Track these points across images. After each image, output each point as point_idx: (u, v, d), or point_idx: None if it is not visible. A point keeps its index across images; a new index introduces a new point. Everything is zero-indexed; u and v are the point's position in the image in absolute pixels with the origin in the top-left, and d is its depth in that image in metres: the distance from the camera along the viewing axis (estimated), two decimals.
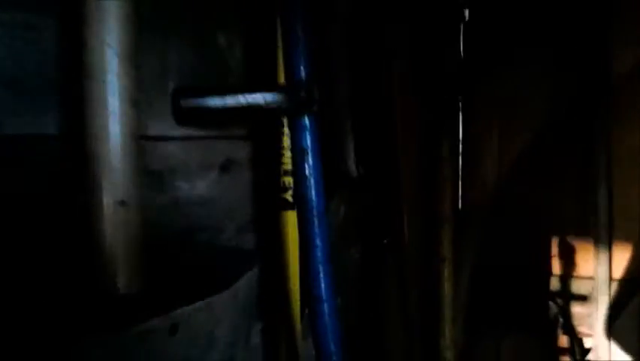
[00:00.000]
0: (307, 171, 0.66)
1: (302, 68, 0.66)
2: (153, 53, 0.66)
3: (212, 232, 0.74)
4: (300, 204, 0.67)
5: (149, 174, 0.65)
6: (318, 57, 0.72)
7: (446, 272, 1.29)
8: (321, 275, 0.66)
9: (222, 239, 0.74)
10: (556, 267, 1.33)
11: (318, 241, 0.67)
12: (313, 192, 0.66)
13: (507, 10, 1.35)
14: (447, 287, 1.29)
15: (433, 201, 1.29)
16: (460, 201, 1.44)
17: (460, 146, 1.46)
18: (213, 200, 0.73)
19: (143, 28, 0.60)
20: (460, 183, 1.44)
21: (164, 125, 0.67)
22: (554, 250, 1.34)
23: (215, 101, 0.62)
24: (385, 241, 1.12)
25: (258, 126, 0.77)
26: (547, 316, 1.32)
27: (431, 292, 1.27)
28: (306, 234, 0.66)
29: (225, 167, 0.74)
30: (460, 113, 1.45)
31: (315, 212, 0.66)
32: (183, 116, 0.63)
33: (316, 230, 0.66)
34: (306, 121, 0.66)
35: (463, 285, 1.36)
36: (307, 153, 0.65)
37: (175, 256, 0.69)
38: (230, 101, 0.62)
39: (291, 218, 0.76)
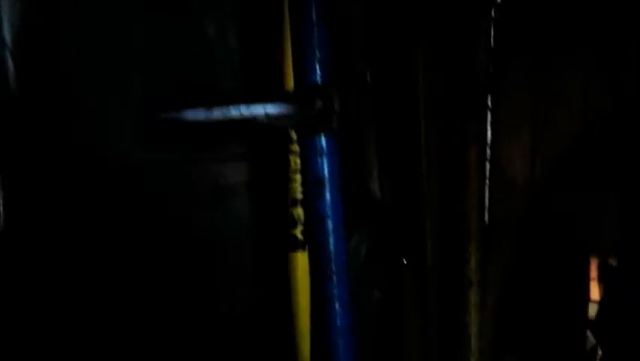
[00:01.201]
0: (324, 210, 0.48)
1: (317, 66, 0.47)
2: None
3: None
4: (315, 253, 0.49)
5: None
6: (338, 54, 0.54)
7: (473, 298, 1.16)
8: (341, 350, 0.49)
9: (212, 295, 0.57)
10: (595, 292, 1.23)
11: (337, 306, 0.49)
12: (331, 240, 0.48)
13: None
14: (474, 315, 1.16)
15: (459, 217, 1.16)
16: (486, 215, 1.30)
17: (488, 151, 1.31)
18: (201, 240, 0.56)
19: None
20: (487, 194, 1.30)
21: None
22: (593, 271, 1.23)
23: (198, 114, 0.44)
24: (405, 261, 0.99)
25: (259, 142, 0.59)
26: (584, 347, 1.20)
27: (456, 320, 1.14)
28: (322, 295, 0.49)
29: (217, 196, 0.56)
30: (489, 115, 1.30)
31: (333, 266, 0.48)
32: (155, 135, 0.45)
33: (334, 291, 0.49)
34: (323, 142, 0.48)
35: (491, 311, 1.24)
36: (324, 186, 0.48)
37: None
38: (219, 114, 0.44)
39: (302, 261, 0.58)
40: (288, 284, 0.60)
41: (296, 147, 0.58)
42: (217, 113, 0.45)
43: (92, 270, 0.53)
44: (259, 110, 0.45)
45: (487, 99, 1.19)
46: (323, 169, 0.49)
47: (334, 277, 0.49)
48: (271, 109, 0.46)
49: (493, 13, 1.21)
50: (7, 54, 0.48)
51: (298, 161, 0.56)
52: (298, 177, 0.58)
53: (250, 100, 0.45)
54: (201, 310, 0.58)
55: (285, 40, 0.54)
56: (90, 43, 0.50)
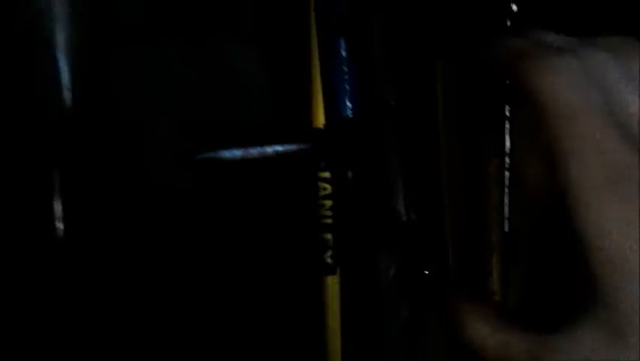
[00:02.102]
0: None
1: (347, 101, 0.49)
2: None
3: None
4: (347, 276, 0.51)
5: None
6: (364, 83, 0.56)
7: None
8: None
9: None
10: None
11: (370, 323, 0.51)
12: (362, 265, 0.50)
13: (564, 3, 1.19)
14: None
15: (480, 228, 1.15)
16: (506, 225, 1.29)
17: (507, 161, 1.31)
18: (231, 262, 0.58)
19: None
20: (506, 205, 1.29)
21: None
22: None
23: (235, 153, 0.46)
24: (426, 272, 0.98)
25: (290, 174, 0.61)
26: None
27: None
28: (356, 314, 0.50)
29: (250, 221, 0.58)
30: (507, 124, 1.29)
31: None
32: (192, 172, 0.47)
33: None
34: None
35: None
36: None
37: None
38: (255, 152, 0.46)
39: (332, 287, 0.60)
40: (321, 306, 0.62)
41: (325, 174, 0.59)
42: (253, 152, 0.47)
43: (140, 277, 0.54)
44: (292, 147, 0.47)
45: (504, 109, 1.18)
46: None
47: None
48: (304, 146, 0.47)
49: (508, 22, 1.20)
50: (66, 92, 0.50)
51: (327, 186, 0.58)
52: (328, 202, 0.60)
53: (283, 138, 0.47)
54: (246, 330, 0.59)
55: (315, 75, 0.56)
56: (129, 87, 0.52)
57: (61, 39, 0.49)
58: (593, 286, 0.24)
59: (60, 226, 0.51)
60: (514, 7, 1.30)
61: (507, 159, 1.29)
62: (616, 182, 0.22)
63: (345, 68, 0.48)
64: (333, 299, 0.60)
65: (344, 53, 0.48)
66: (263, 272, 0.58)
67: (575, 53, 0.24)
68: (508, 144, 1.29)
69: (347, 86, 0.48)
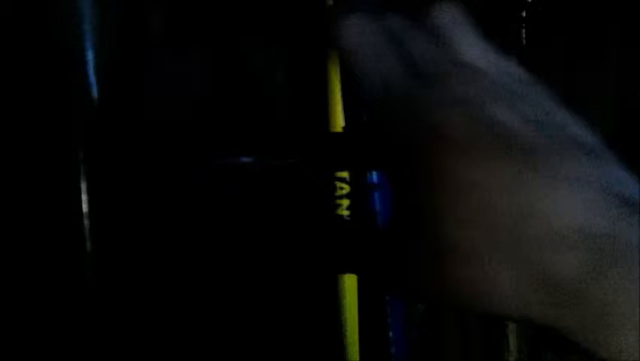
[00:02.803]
0: None
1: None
2: None
3: None
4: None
5: None
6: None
7: None
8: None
9: None
10: None
11: (389, 319, 0.52)
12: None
13: None
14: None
15: None
16: None
17: None
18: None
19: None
20: None
21: None
22: None
23: (258, 160, 0.47)
24: None
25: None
26: None
27: (495, 321, 1.14)
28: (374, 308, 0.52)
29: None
30: None
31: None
32: (217, 177, 0.49)
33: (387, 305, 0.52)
34: (374, 177, 0.51)
35: None
36: (376, 216, 0.51)
37: None
38: (276, 161, 0.47)
39: (349, 282, 0.61)
40: (337, 302, 0.63)
41: (342, 174, 0.61)
42: (274, 162, 0.48)
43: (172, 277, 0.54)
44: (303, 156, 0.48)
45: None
46: (374, 202, 0.52)
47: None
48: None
49: (523, 13, 1.18)
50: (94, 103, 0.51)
51: (345, 186, 0.59)
52: (345, 202, 0.61)
53: (305, 144, 0.48)
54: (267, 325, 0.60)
55: (334, 79, 0.56)
56: (155, 89, 0.53)
57: (89, 42, 0.49)
58: None
59: (87, 223, 0.51)
60: None
61: None
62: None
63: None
64: (350, 296, 0.61)
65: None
66: (279, 271, 0.60)
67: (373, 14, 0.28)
68: None
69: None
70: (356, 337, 0.64)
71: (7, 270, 0.50)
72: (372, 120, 0.28)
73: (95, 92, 0.48)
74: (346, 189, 0.60)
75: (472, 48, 0.29)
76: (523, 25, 1.16)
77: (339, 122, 0.58)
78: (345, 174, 0.60)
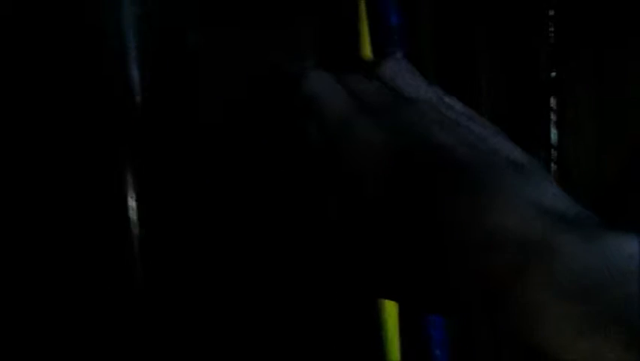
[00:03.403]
0: None
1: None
2: None
3: None
4: None
5: None
6: None
7: None
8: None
9: None
10: None
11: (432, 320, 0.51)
12: None
13: None
14: None
15: None
16: None
17: (554, 153, 1.29)
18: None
19: None
20: None
21: None
22: None
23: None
24: None
25: None
26: None
27: None
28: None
29: None
30: (553, 116, 1.27)
31: None
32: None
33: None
34: None
35: None
36: None
37: None
38: None
39: None
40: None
41: None
42: None
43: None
44: None
45: (550, 100, 1.16)
46: None
47: None
48: None
49: (551, 11, 1.17)
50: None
51: None
52: None
53: None
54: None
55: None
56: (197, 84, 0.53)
57: (130, 37, 0.50)
58: None
59: (135, 226, 0.51)
60: None
61: (553, 152, 1.27)
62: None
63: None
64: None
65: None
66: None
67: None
68: (554, 136, 1.27)
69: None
70: (396, 334, 0.63)
71: (55, 268, 0.50)
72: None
73: (138, 83, 0.48)
74: None
75: (417, 88, 0.34)
76: (552, 24, 1.15)
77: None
78: None
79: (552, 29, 1.16)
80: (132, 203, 0.50)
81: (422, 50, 0.75)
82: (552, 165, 1.24)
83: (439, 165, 0.28)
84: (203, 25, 0.53)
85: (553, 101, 1.19)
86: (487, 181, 0.28)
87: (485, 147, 0.30)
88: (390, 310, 0.64)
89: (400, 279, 0.30)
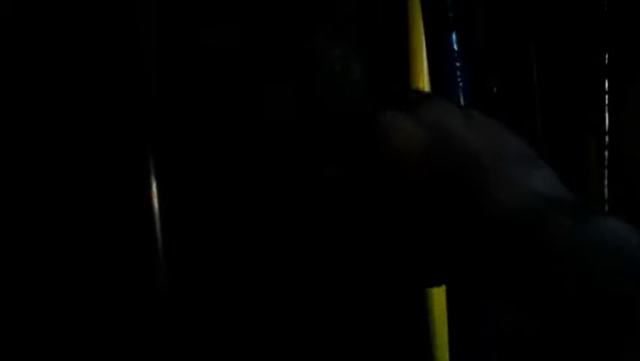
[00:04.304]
0: None
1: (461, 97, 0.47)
2: None
3: None
4: None
5: None
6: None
7: None
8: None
9: None
10: None
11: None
12: None
13: None
14: None
15: None
16: (606, 206, 1.22)
17: (607, 139, 1.24)
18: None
19: None
20: (606, 184, 1.22)
21: None
22: None
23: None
24: None
25: None
26: None
27: None
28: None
29: None
30: (607, 101, 1.22)
31: None
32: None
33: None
34: None
35: None
36: None
37: None
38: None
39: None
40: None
41: None
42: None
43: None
44: None
45: (604, 85, 1.12)
46: None
47: None
48: None
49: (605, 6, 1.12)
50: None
51: None
52: None
53: None
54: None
55: (417, 71, 0.54)
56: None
57: (147, 33, 0.49)
58: None
59: (157, 219, 0.50)
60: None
61: (607, 138, 1.22)
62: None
63: (458, 63, 0.47)
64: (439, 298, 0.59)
65: (456, 47, 0.47)
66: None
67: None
68: (607, 122, 1.22)
69: (460, 82, 0.47)
70: (445, 339, 0.61)
71: (78, 266, 0.50)
72: None
73: (157, 86, 0.48)
74: None
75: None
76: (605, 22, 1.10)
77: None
78: None
79: (607, 9, 1.11)
80: (154, 199, 0.49)
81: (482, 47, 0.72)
82: (606, 151, 1.20)
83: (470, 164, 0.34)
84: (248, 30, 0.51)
85: (607, 87, 1.14)
86: (495, 169, 0.34)
87: (500, 142, 0.36)
88: (440, 314, 0.62)
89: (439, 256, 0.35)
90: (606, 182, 1.16)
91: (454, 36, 0.48)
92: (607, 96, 1.14)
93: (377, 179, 0.37)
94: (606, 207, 1.17)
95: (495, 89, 0.78)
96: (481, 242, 0.32)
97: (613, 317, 0.27)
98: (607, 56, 1.11)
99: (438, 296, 0.58)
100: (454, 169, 0.34)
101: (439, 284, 0.48)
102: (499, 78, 0.84)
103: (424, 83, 0.53)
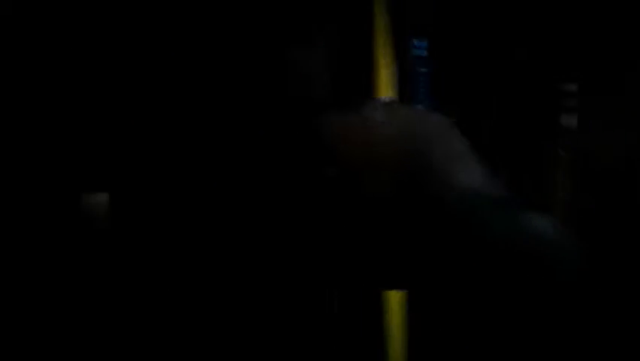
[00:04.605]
0: None
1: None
2: None
3: None
4: None
5: None
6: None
7: None
8: None
9: None
10: None
11: None
12: None
13: None
14: None
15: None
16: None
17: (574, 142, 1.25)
18: None
19: None
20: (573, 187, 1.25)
21: None
22: None
23: None
24: None
25: None
26: None
27: None
28: None
29: None
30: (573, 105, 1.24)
31: None
32: None
33: None
34: None
35: None
36: None
37: None
38: None
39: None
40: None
41: None
42: None
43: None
44: None
45: (572, 89, 1.13)
46: None
47: None
48: None
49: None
50: None
51: None
52: None
53: None
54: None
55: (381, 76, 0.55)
56: None
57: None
58: None
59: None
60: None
61: (573, 142, 1.24)
62: None
63: (423, 69, 0.48)
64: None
65: (424, 53, 0.48)
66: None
67: None
68: (575, 126, 1.24)
69: (423, 88, 0.48)
70: (401, 334, 0.63)
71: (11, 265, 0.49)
72: None
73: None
74: None
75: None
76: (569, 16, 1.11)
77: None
78: None
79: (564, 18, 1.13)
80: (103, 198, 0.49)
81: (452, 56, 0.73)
82: (562, 152, 1.22)
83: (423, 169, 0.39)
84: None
85: (565, 89, 1.17)
86: (437, 169, 0.38)
87: (449, 147, 0.39)
88: (395, 310, 0.63)
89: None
90: (565, 184, 1.19)
91: (418, 43, 0.50)
92: (563, 101, 1.16)
93: (322, 178, 0.40)
94: (564, 206, 1.19)
95: (458, 94, 0.80)
96: (420, 236, 0.36)
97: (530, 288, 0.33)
98: (564, 63, 1.13)
99: (395, 298, 0.60)
100: (395, 167, 0.37)
101: (389, 285, 0.49)
102: (462, 85, 0.86)
103: (389, 87, 0.54)
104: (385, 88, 0.55)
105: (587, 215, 1.16)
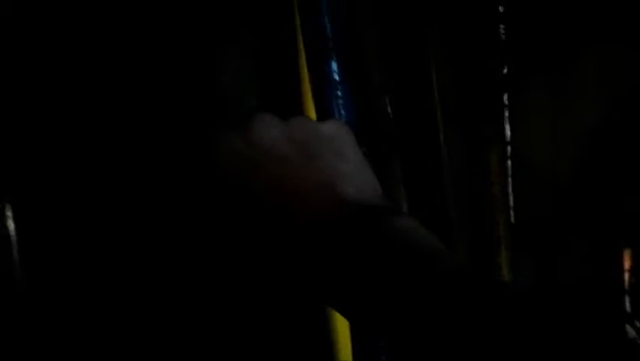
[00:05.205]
0: None
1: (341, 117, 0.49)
2: None
3: None
4: None
5: None
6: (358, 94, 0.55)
7: None
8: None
9: None
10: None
11: None
12: None
13: None
14: None
15: (487, 221, 1.13)
16: (512, 215, 1.27)
17: (509, 150, 1.28)
18: None
19: None
20: (511, 195, 1.27)
21: None
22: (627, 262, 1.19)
23: None
24: None
25: None
26: (623, 341, 1.19)
27: None
28: None
29: None
30: (507, 113, 1.27)
31: None
32: None
33: None
34: None
35: None
36: None
37: None
38: None
39: None
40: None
41: None
42: None
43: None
44: None
45: (503, 98, 1.16)
46: None
47: None
48: None
49: (501, 8, 1.17)
50: None
51: None
52: None
53: None
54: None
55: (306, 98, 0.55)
56: None
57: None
58: None
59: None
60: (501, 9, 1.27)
61: (509, 150, 1.27)
62: None
63: (339, 92, 0.48)
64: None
65: (337, 77, 0.48)
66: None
67: None
68: (509, 133, 1.27)
69: (342, 111, 0.49)
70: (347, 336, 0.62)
71: None
72: None
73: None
74: None
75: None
76: (502, 21, 1.14)
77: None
78: None
79: (503, 26, 1.15)
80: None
81: (374, 82, 0.74)
82: (508, 162, 1.24)
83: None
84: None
85: (506, 100, 1.19)
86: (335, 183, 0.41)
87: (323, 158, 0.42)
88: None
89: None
90: (510, 189, 1.20)
91: (334, 64, 0.50)
92: (506, 107, 1.18)
93: (213, 193, 0.41)
94: (511, 215, 1.22)
95: (389, 111, 0.80)
96: (305, 247, 0.39)
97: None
98: (505, 66, 1.15)
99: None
100: (276, 185, 0.40)
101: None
102: (394, 99, 0.86)
103: (310, 109, 0.54)
104: (307, 105, 0.55)
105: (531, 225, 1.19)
